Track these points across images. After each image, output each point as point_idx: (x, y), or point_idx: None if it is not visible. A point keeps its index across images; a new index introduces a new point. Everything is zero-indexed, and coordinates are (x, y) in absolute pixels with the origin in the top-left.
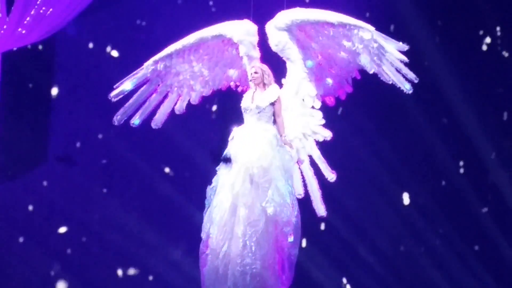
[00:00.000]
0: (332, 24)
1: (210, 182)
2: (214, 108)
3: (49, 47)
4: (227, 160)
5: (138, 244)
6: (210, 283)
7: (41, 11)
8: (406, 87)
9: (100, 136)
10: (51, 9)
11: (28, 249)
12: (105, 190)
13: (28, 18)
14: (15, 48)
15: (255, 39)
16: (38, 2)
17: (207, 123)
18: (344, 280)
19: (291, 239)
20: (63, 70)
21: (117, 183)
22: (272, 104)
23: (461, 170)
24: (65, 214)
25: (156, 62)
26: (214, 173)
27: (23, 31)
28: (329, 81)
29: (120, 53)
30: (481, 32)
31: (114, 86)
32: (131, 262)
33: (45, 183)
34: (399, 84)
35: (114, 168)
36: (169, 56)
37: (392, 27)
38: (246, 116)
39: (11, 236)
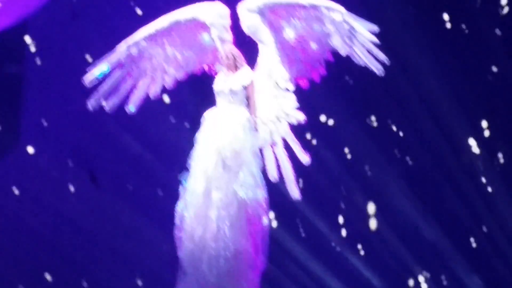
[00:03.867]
0: (303, 6)
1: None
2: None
3: (22, 32)
4: None
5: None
6: (186, 266)
7: None
8: (378, 69)
9: (70, 120)
10: None
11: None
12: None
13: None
14: None
15: (227, 22)
16: None
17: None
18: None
19: (265, 221)
20: (37, 53)
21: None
22: (245, 87)
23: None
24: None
25: (129, 46)
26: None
27: None
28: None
29: (96, 35)
30: None
31: (88, 71)
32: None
33: (16, 167)
34: (371, 66)
35: (87, 152)
36: (142, 39)
37: None
38: (218, 99)
39: None
